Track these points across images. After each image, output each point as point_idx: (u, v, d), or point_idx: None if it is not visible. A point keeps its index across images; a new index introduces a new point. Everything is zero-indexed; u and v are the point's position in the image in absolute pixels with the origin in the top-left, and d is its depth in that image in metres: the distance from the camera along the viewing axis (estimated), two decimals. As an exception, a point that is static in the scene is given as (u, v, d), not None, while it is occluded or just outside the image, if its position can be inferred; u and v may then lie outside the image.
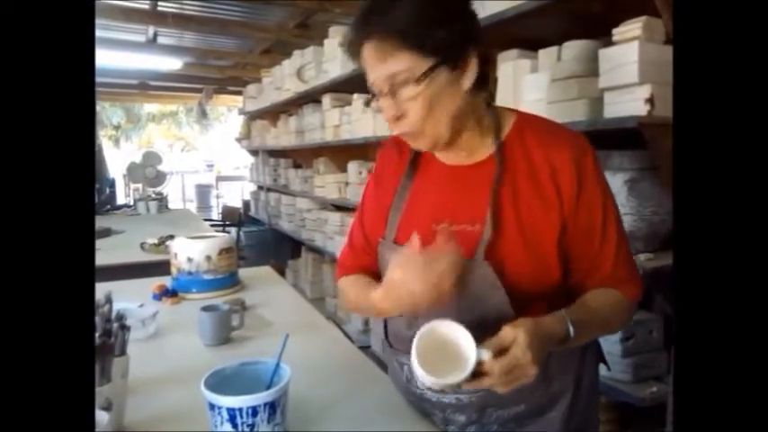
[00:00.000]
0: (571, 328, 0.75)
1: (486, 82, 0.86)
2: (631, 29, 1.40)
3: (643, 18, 1.38)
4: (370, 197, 1.02)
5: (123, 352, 0.91)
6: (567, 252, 0.85)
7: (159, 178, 4.92)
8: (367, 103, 0.88)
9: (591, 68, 1.54)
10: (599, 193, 0.84)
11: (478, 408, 0.89)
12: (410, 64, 0.76)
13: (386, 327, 1.01)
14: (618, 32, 1.44)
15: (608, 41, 1.48)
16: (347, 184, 3.35)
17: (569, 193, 0.82)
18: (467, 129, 0.85)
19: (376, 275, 0.97)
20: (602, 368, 1.27)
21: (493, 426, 0.90)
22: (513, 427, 0.90)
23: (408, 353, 0.81)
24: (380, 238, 0.95)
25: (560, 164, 0.82)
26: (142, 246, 2.54)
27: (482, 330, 0.79)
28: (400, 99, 0.78)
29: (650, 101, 1.35)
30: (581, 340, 0.80)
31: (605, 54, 1.46)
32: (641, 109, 1.36)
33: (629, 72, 1.38)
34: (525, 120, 0.89)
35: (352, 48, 0.80)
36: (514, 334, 0.69)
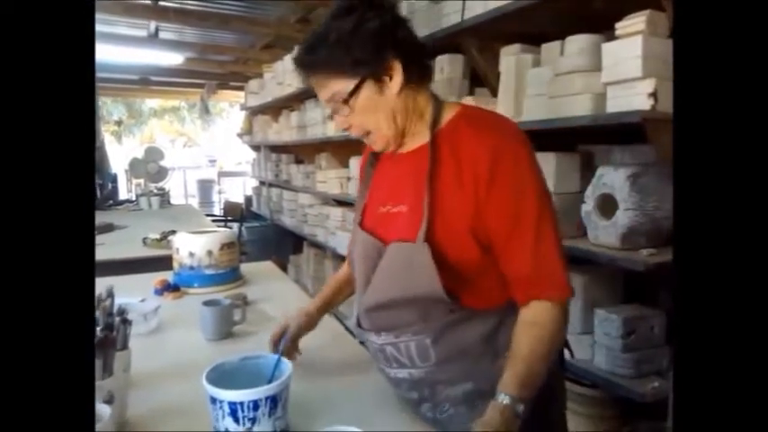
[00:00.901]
0: (516, 406, 0.78)
1: (420, 75, 0.93)
2: (634, 23, 1.39)
3: (646, 12, 1.37)
4: (357, 193, 1.14)
5: (125, 346, 0.91)
6: (487, 240, 0.88)
7: (161, 174, 4.92)
8: (330, 117, 1.02)
9: (594, 63, 1.53)
10: (513, 186, 0.85)
11: (429, 384, 0.92)
12: (339, 87, 0.88)
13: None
14: (621, 27, 1.43)
15: (611, 36, 1.47)
16: (349, 179, 3.35)
17: (483, 184, 0.85)
18: (411, 123, 0.94)
19: None
20: (606, 363, 1.27)
21: (444, 404, 0.92)
22: (465, 410, 0.90)
23: (366, 329, 0.99)
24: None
25: (479, 155, 0.86)
26: (144, 241, 2.54)
27: (420, 309, 0.89)
28: (343, 114, 0.92)
29: (653, 95, 1.34)
30: (533, 389, 0.81)
31: (608, 48, 1.45)
32: (644, 103, 1.35)
33: (632, 66, 1.37)
34: (464, 113, 0.94)
35: (302, 79, 0.95)
36: None
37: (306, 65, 0.92)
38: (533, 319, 0.86)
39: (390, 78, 0.89)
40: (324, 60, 0.88)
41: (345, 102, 0.89)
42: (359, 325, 1.03)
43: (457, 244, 0.87)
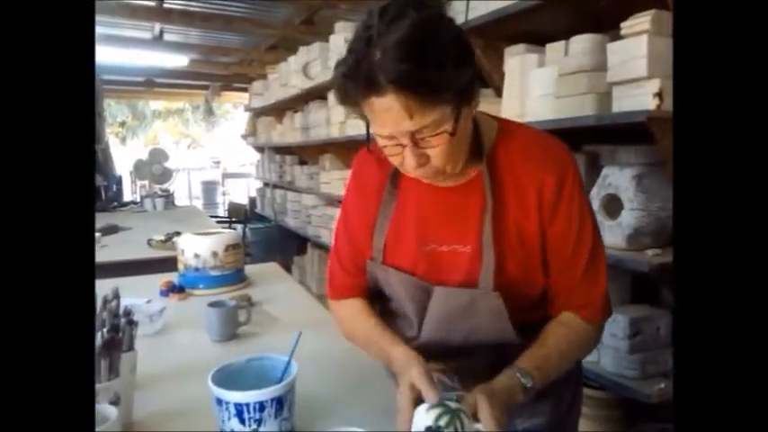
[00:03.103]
0: (524, 378, 0.77)
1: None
2: (640, 22, 1.39)
3: (652, 11, 1.37)
4: (354, 210, 0.96)
5: (131, 347, 0.91)
6: (546, 263, 0.86)
7: (166, 175, 4.94)
8: (366, 147, 0.83)
9: (599, 63, 1.53)
10: (576, 210, 0.84)
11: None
12: (438, 117, 0.70)
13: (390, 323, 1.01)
14: (626, 26, 1.43)
15: (616, 35, 1.46)
16: (353, 180, 3.34)
17: (548, 208, 0.83)
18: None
19: (369, 294, 0.98)
20: (613, 365, 1.26)
21: None
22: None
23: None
24: (369, 259, 0.92)
25: (545, 180, 0.82)
26: (149, 242, 2.55)
27: (479, 357, 0.85)
28: (423, 147, 0.74)
29: (659, 95, 1.34)
30: (545, 376, 0.80)
31: (613, 48, 1.45)
32: (650, 103, 1.35)
33: (637, 66, 1.37)
34: (508, 132, 0.86)
35: (361, 96, 0.70)
36: (474, 396, 0.71)
37: (413, 83, 0.66)
38: (566, 321, 0.86)
39: (476, 102, 0.77)
40: (435, 80, 0.67)
41: (452, 133, 0.71)
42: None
43: (525, 268, 0.84)
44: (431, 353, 0.83)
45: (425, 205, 0.88)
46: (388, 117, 0.70)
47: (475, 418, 0.69)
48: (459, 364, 0.85)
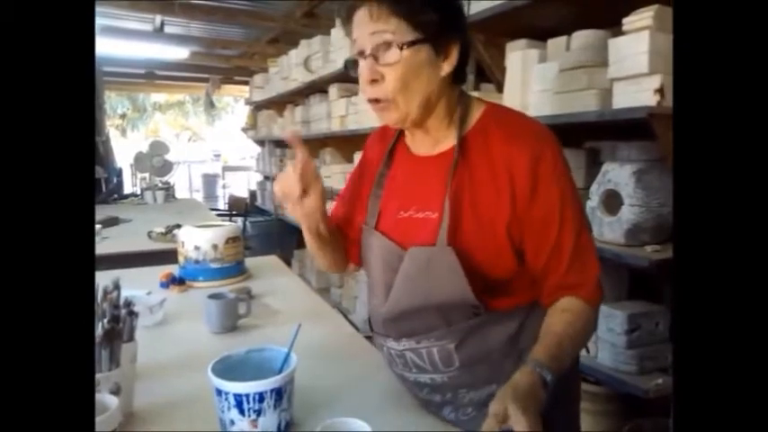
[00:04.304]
0: (543, 372, 0.75)
1: (463, 76, 0.90)
2: (642, 18, 1.38)
3: (654, 7, 1.37)
4: (353, 179, 1.11)
5: (132, 338, 0.92)
6: (523, 248, 0.86)
7: (166, 168, 4.93)
8: (346, 67, 0.89)
9: (600, 58, 1.53)
10: (556, 193, 0.84)
11: (452, 388, 0.90)
12: (397, 30, 0.80)
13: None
14: (628, 22, 1.42)
15: (618, 31, 1.46)
16: (353, 174, 3.34)
17: (523, 193, 0.83)
18: (436, 115, 0.88)
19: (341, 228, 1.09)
20: (610, 360, 1.27)
21: (467, 408, 0.91)
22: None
23: (382, 334, 0.94)
24: (363, 224, 0.98)
25: (518, 162, 0.83)
26: (149, 234, 2.55)
27: (443, 314, 0.85)
28: (380, 63, 0.82)
29: (660, 91, 1.34)
30: (561, 366, 0.80)
31: (615, 44, 1.44)
32: (651, 99, 1.35)
33: (638, 62, 1.37)
34: (493, 113, 0.90)
35: (347, 10, 0.84)
36: (503, 406, 0.69)
37: None
38: (567, 307, 0.85)
39: (444, 59, 0.84)
40: None
41: (400, 47, 0.80)
42: (371, 328, 1.00)
43: (491, 249, 0.85)
44: (395, 318, 0.89)
45: (408, 174, 0.95)
46: (357, 23, 0.83)
47: (504, 422, 0.68)
48: (411, 320, 0.88)
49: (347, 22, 0.86)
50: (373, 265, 0.94)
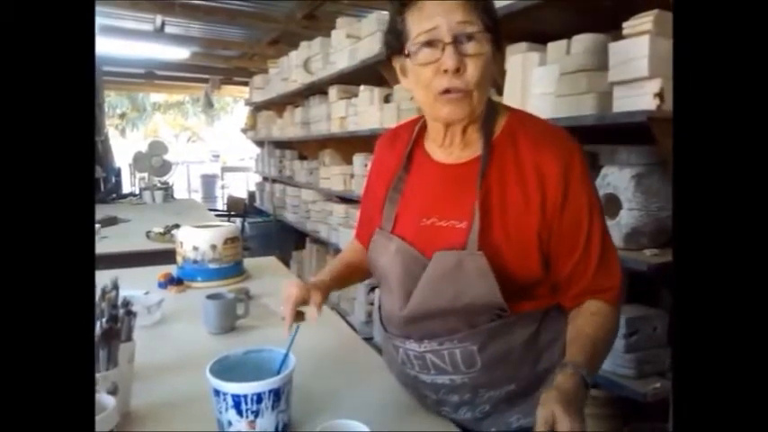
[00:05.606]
0: (583, 373, 0.77)
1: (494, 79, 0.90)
2: (642, 23, 1.39)
3: (654, 12, 1.37)
4: (369, 186, 1.09)
5: (129, 338, 0.92)
6: (550, 253, 0.87)
7: (165, 168, 4.93)
8: (408, 55, 0.84)
9: (600, 62, 1.53)
10: (585, 200, 0.85)
11: (471, 388, 0.90)
12: (481, 22, 0.80)
13: (381, 311, 1.02)
14: (628, 26, 1.43)
15: (618, 35, 1.46)
16: (352, 176, 3.35)
17: (554, 200, 0.84)
18: (479, 115, 0.88)
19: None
20: (608, 363, 1.26)
21: (485, 406, 0.92)
22: (505, 407, 0.91)
23: (400, 336, 0.92)
24: (378, 227, 0.96)
25: (548, 170, 0.84)
26: (148, 234, 2.55)
27: (467, 316, 0.85)
28: (462, 52, 0.80)
29: (660, 95, 1.34)
30: (596, 367, 0.82)
31: (615, 48, 1.45)
32: (650, 103, 1.35)
33: (638, 66, 1.37)
34: (518, 119, 0.91)
35: None
36: (550, 410, 0.69)
37: None
38: (595, 310, 0.86)
39: (495, 59, 0.86)
40: None
41: (486, 38, 0.81)
42: (385, 330, 0.99)
43: (519, 254, 0.85)
44: (417, 320, 0.88)
45: (431, 181, 0.93)
46: (439, 11, 0.80)
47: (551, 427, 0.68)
48: (434, 322, 0.87)
49: (409, 6, 0.83)
50: (389, 270, 0.92)
